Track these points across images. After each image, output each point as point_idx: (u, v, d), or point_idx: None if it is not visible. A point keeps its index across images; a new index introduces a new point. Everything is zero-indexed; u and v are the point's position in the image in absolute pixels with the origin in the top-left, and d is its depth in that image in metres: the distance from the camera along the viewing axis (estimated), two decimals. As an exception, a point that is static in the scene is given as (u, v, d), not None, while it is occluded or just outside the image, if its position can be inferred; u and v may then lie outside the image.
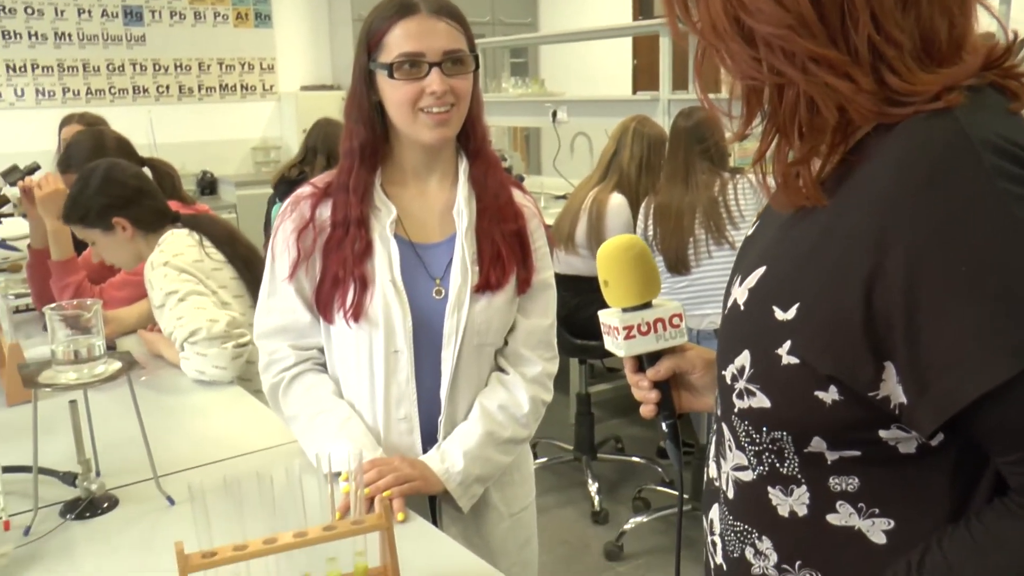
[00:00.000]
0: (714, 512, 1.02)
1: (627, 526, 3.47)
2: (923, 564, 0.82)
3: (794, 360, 0.85)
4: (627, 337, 1.07)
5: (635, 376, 1.12)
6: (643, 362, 1.11)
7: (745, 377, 0.90)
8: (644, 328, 1.07)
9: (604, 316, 1.10)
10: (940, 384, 0.77)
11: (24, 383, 1.41)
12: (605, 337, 1.11)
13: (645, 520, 3.56)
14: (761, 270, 0.91)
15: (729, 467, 0.97)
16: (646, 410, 1.12)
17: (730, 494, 0.97)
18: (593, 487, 3.76)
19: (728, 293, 1.00)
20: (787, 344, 0.85)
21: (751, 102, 0.87)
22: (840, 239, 0.83)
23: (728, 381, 0.92)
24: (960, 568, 0.80)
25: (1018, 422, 0.76)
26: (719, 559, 1.02)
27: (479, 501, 1.58)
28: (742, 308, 0.92)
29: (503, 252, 1.54)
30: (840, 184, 0.85)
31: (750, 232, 1.05)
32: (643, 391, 1.11)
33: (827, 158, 0.86)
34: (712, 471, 1.02)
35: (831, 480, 0.88)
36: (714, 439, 1.02)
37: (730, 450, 0.96)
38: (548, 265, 1.64)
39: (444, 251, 1.56)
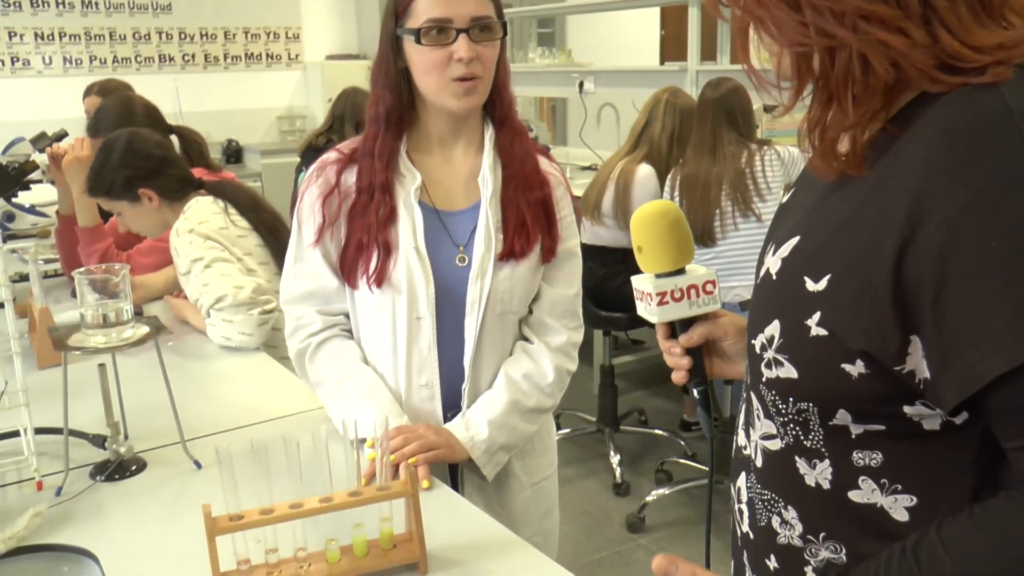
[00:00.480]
0: (741, 480, 1.02)
1: (649, 498, 3.48)
2: (918, 546, 0.82)
3: (823, 332, 0.84)
4: (660, 303, 1.06)
5: (667, 342, 1.11)
6: (675, 328, 1.10)
7: (774, 347, 0.89)
8: (677, 294, 1.06)
9: (637, 282, 1.09)
10: (963, 360, 0.76)
11: (54, 346, 1.42)
12: (638, 303, 1.11)
13: (667, 492, 3.57)
14: (795, 240, 0.90)
15: (758, 436, 0.96)
16: (677, 376, 1.11)
17: (758, 462, 0.97)
18: (615, 459, 3.76)
19: (761, 262, 0.99)
20: (816, 315, 0.84)
21: (801, 70, 0.85)
22: (875, 210, 0.82)
23: (757, 350, 0.92)
24: (954, 552, 0.79)
25: None
26: (745, 527, 1.02)
27: (501, 470, 1.58)
28: (774, 278, 0.91)
29: (528, 220, 1.53)
30: (880, 155, 0.84)
31: (784, 199, 1.04)
32: (675, 357, 1.11)
33: (868, 126, 0.85)
34: (741, 439, 1.02)
35: (855, 455, 0.88)
36: (743, 408, 1.02)
37: (759, 419, 0.96)
38: (574, 234, 1.62)
39: (468, 218, 1.55)
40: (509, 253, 1.51)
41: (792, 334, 0.87)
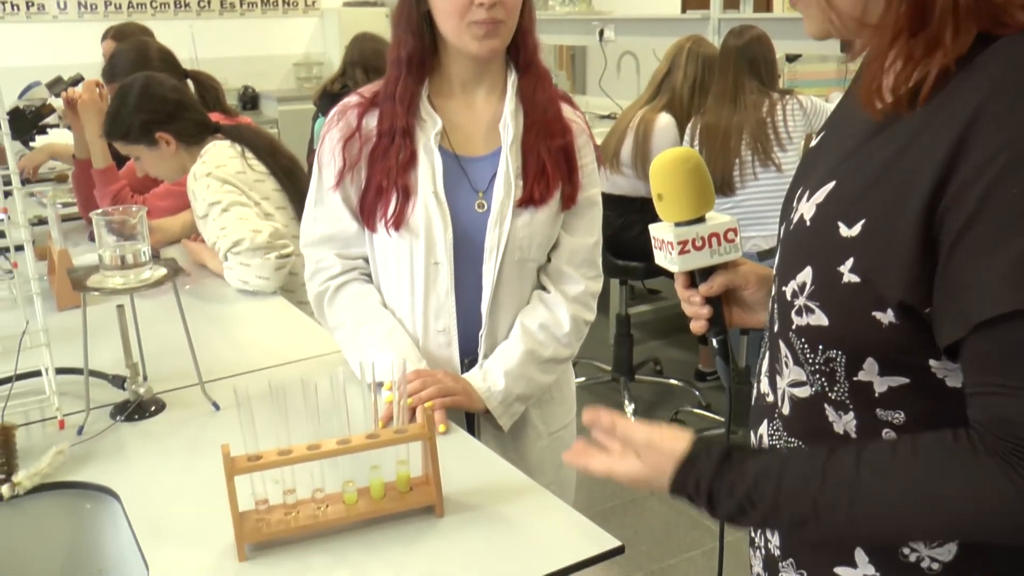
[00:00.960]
0: (763, 428, 1.01)
1: (663, 447, 3.49)
2: (836, 453, 0.84)
3: (855, 278, 0.83)
4: (681, 252, 1.04)
5: (687, 292, 1.09)
6: (695, 277, 1.08)
7: (805, 294, 0.88)
8: (699, 243, 1.04)
9: (656, 230, 1.07)
10: (959, 302, 0.76)
11: (73, 286, 1.42)
12: (656, 252, 1.09)
13: (681, 442, 3.57)
14: (830, 185, 0.89)
15: (786, 383, 0.95)
16: (697, 326, 1.09)
17: (785, 410, 0.96)
18: (630, 408, 3.78)
19: (790, 207, 0.97)
20: (849, 261, 0.83)
21: (869, 5, 0.83)
22: (915, 154, 0.80)
23: (788, 297, 0.91)
24: (864, 470, 0.82)
25: (1017, 348, 0.74)
26: None
27: (519, 419, 1.59)
28: (808, 223, 0.90)
29: (548, 167, 1.52)
30: (930, 97, 0.82)
31: (814, 143, 1.02)
32: (694, 307, 1.09)
33: (926, 64, 0.82)
34: (764, 387, 1.01)
35: (878, 411, 0.87)
36: (767, 356, 1.01)
37: (787, 366, 0.95)
38: (595, 182, 1.60)
39: (488, 164, 1.53)
40: (528, 200, 1.50)
41: (824, 281, 0.86)
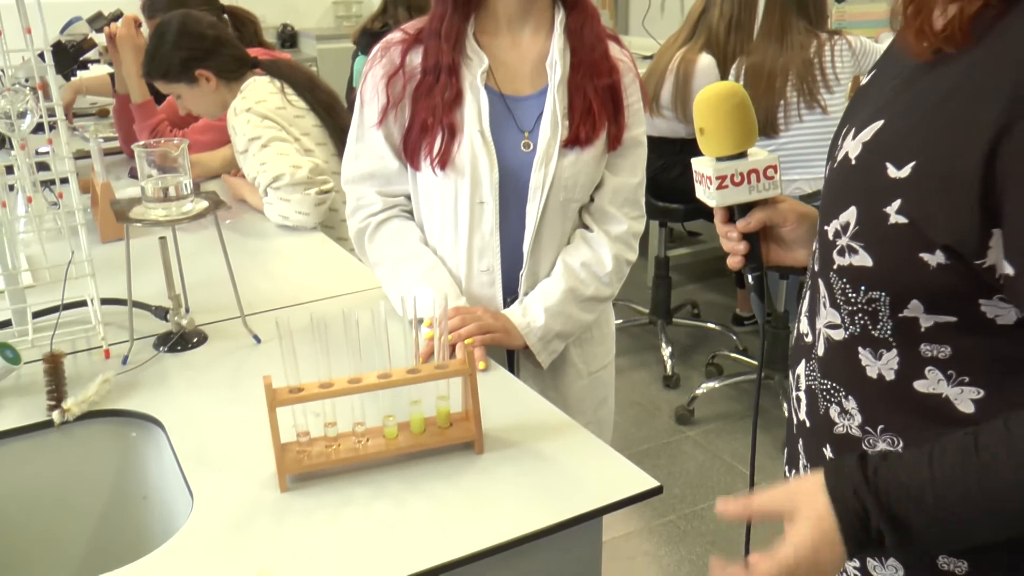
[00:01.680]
0: (801, 368, 1.00)
1: (699, 391, 3.49)
2: (982, 432, 0.79)
3: (902, 219, 0.81)
4: (720, 187, 1.03)
5: (724, 227, 1.08)
6: (734, 213, 1.07)
7: (849, 234, 0.87)
8: (738, 179, 1.03)
9: (697, 164, 1.06)
10: None
11: (116, 218, 1.43)
12: (696, 186, 1.08)
13: (717, 386, 3.57)
14: (878, 124, 0.86)
15: (822, 324, 0.94)
16: (733, 261, 1.09)
17: (820, 351, 0.95)
18: (667, 351, 3.77)
19: (835, 146, 0.95)
20: (897, 203, 0.81)
21: None
22: (970, 94, 0.77)
23: (830, 236, 0.89)
24: (1016, 444, 0.77)
25: None
26: (802, 415, 1.01)
27: (558, 358, 1.58)
28: (853, 162, 0.87)
29: (595, 107, 1.49)
30: (982, 35, 0.78)
31: (864, 82, 0.99)
32: (732, 242, 1.08)
33: (966, 1, 0.79)
34: (803, 327, 1.00)
35: (922, 346, 0.86)
36: (807, 295, 0.99)
37: (824, 307, 0.94)
38: (640, 122, 1.58)
39: (535, 104, 1.51)
40: (574, 140, 1.48)
41: (869, 221, 0.84)
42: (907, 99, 0.85)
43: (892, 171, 0.82)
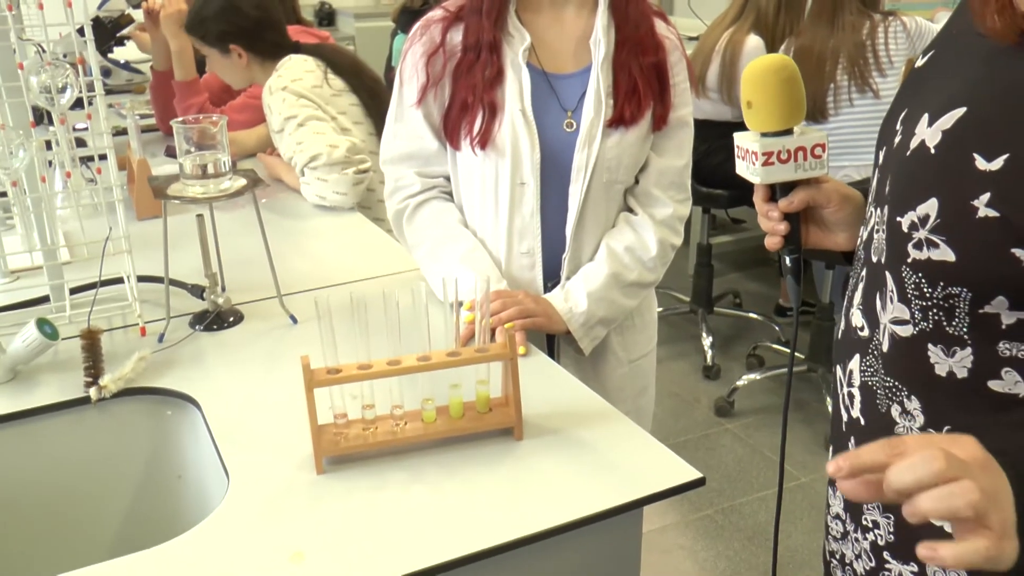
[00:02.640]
0: (854, 363, 0.98)
1: (739, 383, 3.46)
2: None
3: (992, 213, 0.79)
4: (765, 163, 1.01)
5: (765, 206, 1.06)
6: (776, 192, 1.05)
7: (928, 227, 0.84)
8: (784, 156, 1.01)
9: (741, 139, 1.04)
10: None
11: (154, 194, 1.44)
12: (739, 161, 1.05)
13: (758, 378, 3.55)
14: (960, 111, 0.84)
15: (887, 319, 0.92)
16: (771, 242, 1.07)
17: (885, 347, 0.93)
18: (707, 341, 3.75)
19: (892, 130, 0.93)
20: (986, 196, 0.79)
21: None
22: None
23: (904, 229, 0.87)
24: None
25: None
26: (855, 412, 0.99)
27: (599, 345, 1.58)
28: (932, 151, 0.85)
29: (640, 86, 1.48)
30: None
31: (920, 63, 0.96)
32: (772, 222, 1.06)
33: None
34: (856, 320, 0.98)
35: (1001, 344, 0.84)
36: (861, 287, 0.97)
37: (891, 301, 0.91)
38: (687, 102, 1.56)
39: (578, 82, 1.50)
40: (619, 119, 1.46)
41: (953, 214, 0.82)
42: (991, 86, 0.83)
43: (981, 163, 0.80)
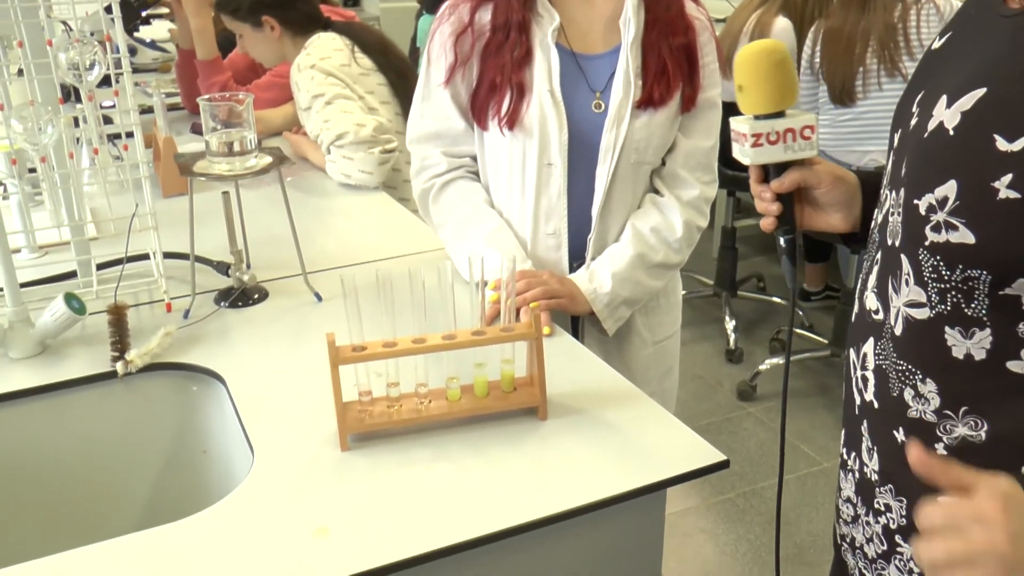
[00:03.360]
0: (868, 347, 0.97)
1: (762, 367, 3.45)
2: None
3: (1014, 195, 0.78)
4: (754, 145, 1.03)
5: (758, 187, 1.08)
6: (769, 173, 1.07)
7: (947, 209, 0.83)
8: (773, 137, 1.03)
9: (735, 123, 1.06)
10: None
11: (180, 171, 1.44)
12: (733, 144, 1.08)
13: (781, 362, 3.53)
14: (980, 92, 0.83)
15: (902, 302, 0.91)
16: (766, 223, 1.09)
17: (898, 331, 0.92)
18: (730, 325, 3.73)
19: (908, 112, 0.91)
20: (1008, 177, 0.78)
21: None
22: None
23: (922, 211, 0.86)
24: None
25: None
26: (869, 396, 0.98)
27: (623, 326, 1.57)
28: (951, 133, 0.84)
29: (669, 67, 1.46)
30: None
31: (937, 45, 0.95)
32: (765, 203, 1.08)
33: None
34: (871, 303, 0.97)
35: (1021, 325, 0.83)
36: (876, 270, 0.96)
37: (906, 284, 0.90)
38: (716, 83, 1.55)
39: (607, 63, 1.49)
40: (648, 100, 1.45)
41: (973, 196, 0.81)
42: (1015, 65, 0.81)
43: (1002, 143, 0.79)
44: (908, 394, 0.92)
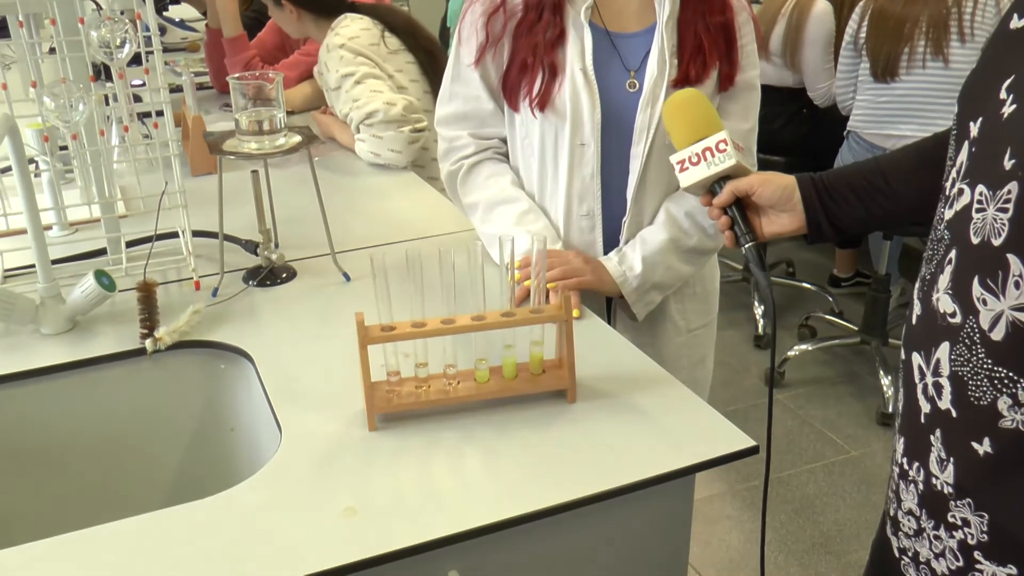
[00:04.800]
0: (942, 352, 0.92)
1: (790, 353, 3.42)
2: None
3: None
4: (681, 170, 1.22)
5: (705, 207, 1.25)
6: (714, 192, 1.22)
7: None
8: (694, 159, 1.21)
9: (671, 160, 1.24)
10: None
11: (210, 149, 1.44)
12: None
13: (809, 349, 3.51)
14: None
15: (1007, 305, 0.85)
16: (726, 238, 1.24)
17: (996, 336, 0.86)
18: (759, 310, 3.71)
19: (998, 100, 0.85)
20: None
21: None
22: None
23: None
24: None
25: None
26: (944, 404, 0.92)
27: (656, 312, 1.56)
28: None
29: (705, 45, 1.44)
30: None
31: (1020, 24, 0.90)
32: (715, 219, 1.23)
33: None
34: (945, 306, 0.91)
35: None
36: (950, 269, 0.90)
37: (1016, 287, 0.84)
38: (754, 64, 1.52)
39: (642, 42, 1.47)
40: (683, 80, 1.43)
41: None
42: None
43: None
44: (1003, 403, 0.87)
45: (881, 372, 3.19)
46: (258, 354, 1.31)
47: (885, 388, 3.15)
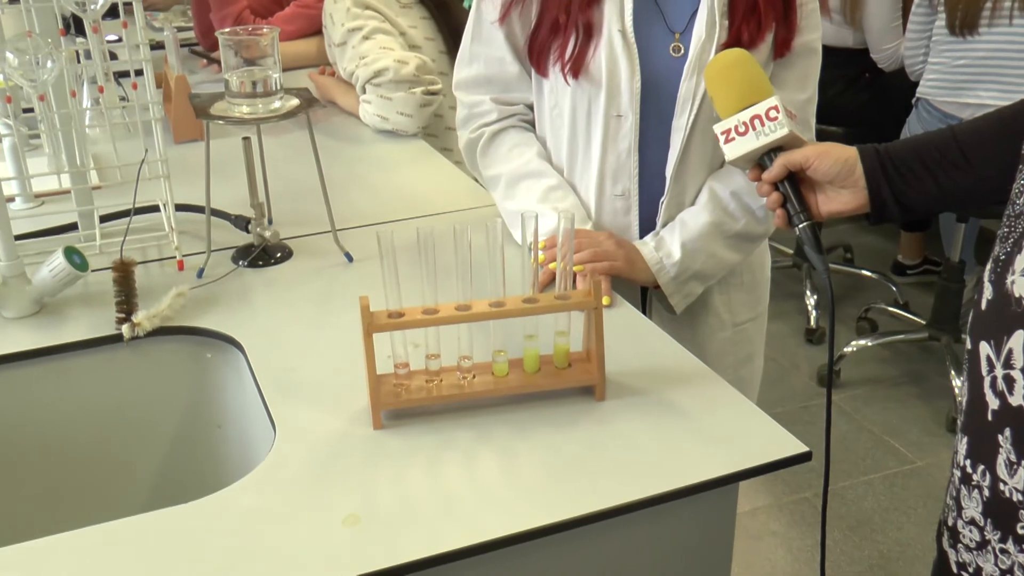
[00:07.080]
0: (1016, 342, 0.93)
1: (846, 349, 3.42)
2: None
3: None
4: (727, 141, 1.22)
5: (755, 182, 1.24)
6: (764, 169, 1.22)
7: None
8: (742, 128, 1.21)
9: (714, 129, 1.25)
10: None
11: (196, 114, 1.45)
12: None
13: (868, 344, 3.50)
14: None
15: None
16: (776, 219, 1.24)
17: None
18: (811, 300, 3.70)
19: None
20: None
21: None
22: None
23: None
24: None
25: None
26: (1016, 400, 0.93)
27: (697, 304, 1.56)
28: None
29: (760, 5, 1.43)
30: None
31: None
32: (765, 196, 1.23)
33: None
34: (1019, 290, 0.92)
35: None
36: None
37: None
38: (816, 26, 1.52)
39: (688, 1, 1.46)
40: (735, 43, 1.42)
41: None
42: None
43: None
44: None
45: (952, 372, 3.18)
46: (249, 342, 1.32)
47: (957, 390, 3.14)
